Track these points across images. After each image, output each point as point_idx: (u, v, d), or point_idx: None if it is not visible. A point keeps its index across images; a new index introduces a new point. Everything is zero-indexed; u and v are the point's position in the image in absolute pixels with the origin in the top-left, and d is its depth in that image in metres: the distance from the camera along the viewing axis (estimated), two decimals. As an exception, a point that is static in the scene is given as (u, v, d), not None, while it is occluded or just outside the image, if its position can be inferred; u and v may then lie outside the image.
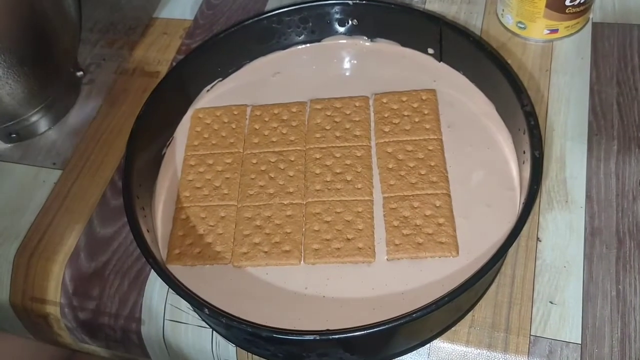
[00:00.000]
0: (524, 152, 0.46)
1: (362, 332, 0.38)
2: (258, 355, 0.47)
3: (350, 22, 0.58)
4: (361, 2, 0.56)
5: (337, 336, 0.38)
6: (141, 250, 0.43)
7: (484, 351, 0.44)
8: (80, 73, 0.63)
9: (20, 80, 0.54)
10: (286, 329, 0.40)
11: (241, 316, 0.41)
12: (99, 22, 0.70)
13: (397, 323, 0.38)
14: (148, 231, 0.47)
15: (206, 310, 0.40)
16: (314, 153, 0.52)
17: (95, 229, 0.53)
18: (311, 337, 0.38)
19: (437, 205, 0.48)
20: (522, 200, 0.43)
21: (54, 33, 0.58)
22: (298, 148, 0.53)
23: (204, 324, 0.48)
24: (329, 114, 0.54)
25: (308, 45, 0.59)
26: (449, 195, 0.48)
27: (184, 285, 0.42)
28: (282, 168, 0.52)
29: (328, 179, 0.50)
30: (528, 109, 0.46)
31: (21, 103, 0.57)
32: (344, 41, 0.59)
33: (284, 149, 0.53)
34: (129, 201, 0.46)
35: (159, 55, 0.65)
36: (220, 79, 0.59)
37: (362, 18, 0.57)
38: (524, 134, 0.46)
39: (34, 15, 0.54)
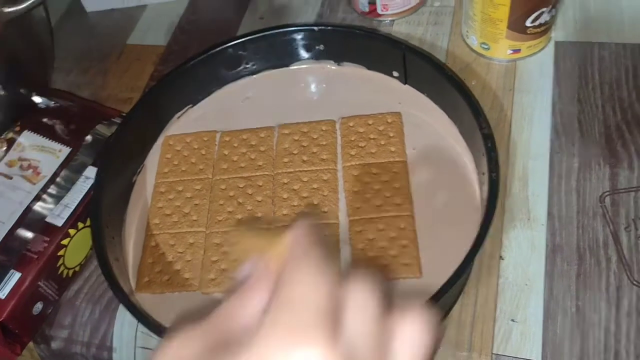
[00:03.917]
0: (483, 174, 0.47)
1: None
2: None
3: (316, 47, 0.59)
4: (326, 28, 0.57)
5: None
6: (107, 280, 0.44)
7: (449, 371, 0.45)
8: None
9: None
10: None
11: (207, 343, 0.41)
12: (73, 50, 0.71)
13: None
14: (117, 260, 0.47)
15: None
16: (282, 178, 0.53)
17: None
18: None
19: (402, 227, 0.49)
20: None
21: (25, 61, 0.59)
22: (266, 173, 0.54)
23: (174, 350, 0.48)
24: (296, 138, 0.55)
25: (276, 70, 0.60)
26: (413, 217, 0.49)
27: (148, 314, 0.43)
28: (250, 193, 0.52)
29: (295, 204, 0.51)
30: (486, 132, 0.47)
31: (-8, 133, 0.57)
32: (311, 66, 0.60)
33: (252, 174, 0.54)
34: (97, 231, 0.47)
35: (132, 82, 0.66)
36: (191, 105, 0.59)
37: (328, 43, 0.58)
38: (483, 155, 0.47)
39: (3, 43, 0.55)
